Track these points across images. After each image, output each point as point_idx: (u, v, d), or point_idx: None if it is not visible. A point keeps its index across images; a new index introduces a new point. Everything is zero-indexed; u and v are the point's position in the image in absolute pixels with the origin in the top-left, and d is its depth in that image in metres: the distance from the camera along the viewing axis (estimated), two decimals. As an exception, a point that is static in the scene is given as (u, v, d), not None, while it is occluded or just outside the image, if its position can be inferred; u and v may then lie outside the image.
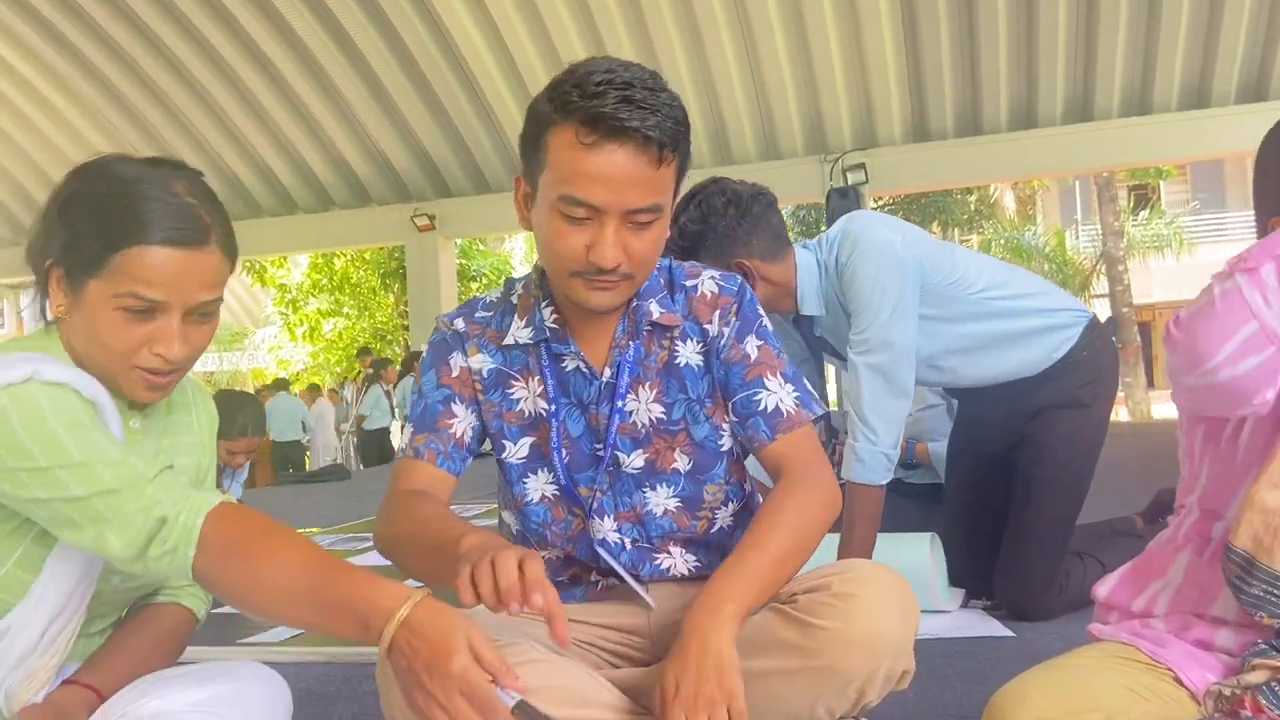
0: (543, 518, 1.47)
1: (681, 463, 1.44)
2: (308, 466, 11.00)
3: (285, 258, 17.76)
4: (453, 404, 1.45)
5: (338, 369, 18.13)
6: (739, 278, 1.49)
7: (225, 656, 1.72)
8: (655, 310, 1.42)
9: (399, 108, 10.20)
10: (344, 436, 12.04)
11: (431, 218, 11.15)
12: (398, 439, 10.98)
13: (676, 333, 1.44)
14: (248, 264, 18.69)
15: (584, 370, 1.42)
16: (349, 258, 17.83)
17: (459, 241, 14.77)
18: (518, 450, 1.46)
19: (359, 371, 13.58)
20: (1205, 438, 1.26)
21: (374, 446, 10.36)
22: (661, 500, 1.44)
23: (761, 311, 1.48)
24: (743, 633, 1.28)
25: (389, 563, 1.37)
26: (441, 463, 1.42)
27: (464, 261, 17.49)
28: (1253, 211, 1.34)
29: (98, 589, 1.25)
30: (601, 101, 1.22)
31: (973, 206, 17.28)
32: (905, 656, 1.26)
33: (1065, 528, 2.32)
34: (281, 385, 14.03)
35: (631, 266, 1.31)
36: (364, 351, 14.02)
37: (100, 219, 1.18)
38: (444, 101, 10.08)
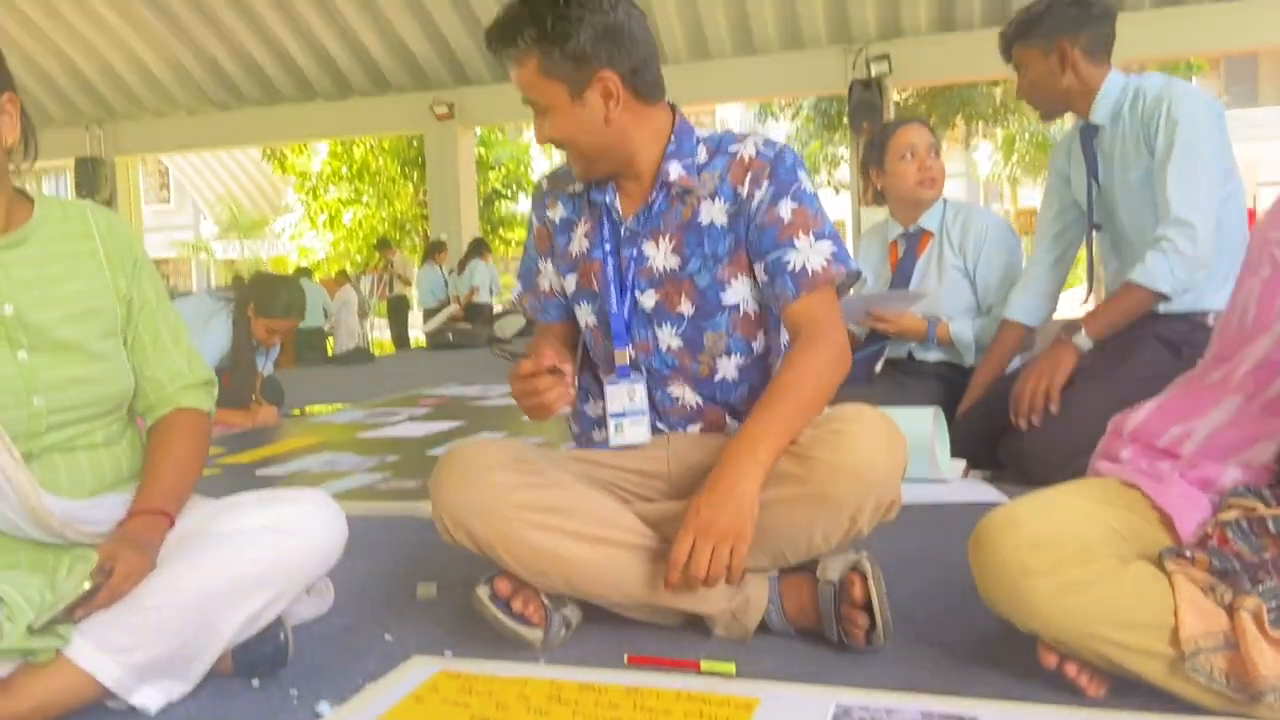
0: (591, 342, 1.69)
1: (685, 307, 1.59)
2: (330, 353, 11.18)
3: (305, 145, 17.69)
4: (538, 262, 1.72)
5: (358, 258, 18.20)
6: (781, 145, 1.58)
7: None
8: (674, 171, 1.56)
9: (418, -9, 10.06)
10: (367, 322, 12.20)
11: (450, 106, 11.09)
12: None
13: (702, 193, 1.56)
14: (268, 151, 18.65)
15: (615, 216, 1.60)
16: (368, 146, 17.73)
17: (478, 130, 14.67)
18: (571, 285, 1.67)
19: (379, 260, 13.66)
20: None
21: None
22: (666, 338, 1.59)
23: (802, 176, 1.56)
24: None
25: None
26: (541, 316, 1.74)
27: (483, 150, 17.37)
28: None
29: (30, 411, 1.30)
30: None
31: (998, 99, 16.85)
32: (892, 487, 1.41)
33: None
34: (304, 273, 14.13)
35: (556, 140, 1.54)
36: (383, 243, 14.08)
37: None
38: (463, -15, 9.93)
